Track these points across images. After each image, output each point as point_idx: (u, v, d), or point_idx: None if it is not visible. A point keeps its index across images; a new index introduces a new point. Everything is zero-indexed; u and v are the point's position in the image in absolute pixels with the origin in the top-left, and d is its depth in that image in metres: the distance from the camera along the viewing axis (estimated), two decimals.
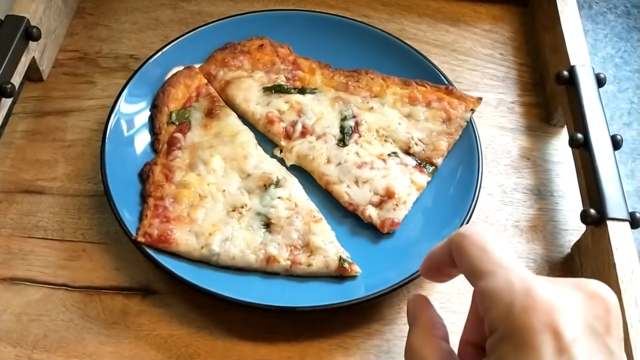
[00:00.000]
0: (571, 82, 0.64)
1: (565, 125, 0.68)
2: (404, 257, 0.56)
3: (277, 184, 0.59)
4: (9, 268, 0.57)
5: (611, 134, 0.60)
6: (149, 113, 0.64)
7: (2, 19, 0.63)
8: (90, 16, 0.77)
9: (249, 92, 0.66)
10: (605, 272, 0.53)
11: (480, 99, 0.66)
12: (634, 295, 0.51)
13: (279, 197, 0.59)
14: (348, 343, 0.54)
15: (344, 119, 0.65)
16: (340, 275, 0.55)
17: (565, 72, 0.65)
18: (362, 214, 0.59)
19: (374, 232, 0.59)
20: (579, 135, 0.60)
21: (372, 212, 0.58)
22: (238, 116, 0.66)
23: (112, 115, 0.62)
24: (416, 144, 0.63)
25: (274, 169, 0.61)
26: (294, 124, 0.64)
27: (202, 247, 0.55)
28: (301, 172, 0.62)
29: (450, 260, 0.39)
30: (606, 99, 0.75)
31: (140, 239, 0.55)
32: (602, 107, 0.62)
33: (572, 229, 0.62)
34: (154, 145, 0.63)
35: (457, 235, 0.39)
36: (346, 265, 0.55)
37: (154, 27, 0.76)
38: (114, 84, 0.69)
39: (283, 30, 0.71)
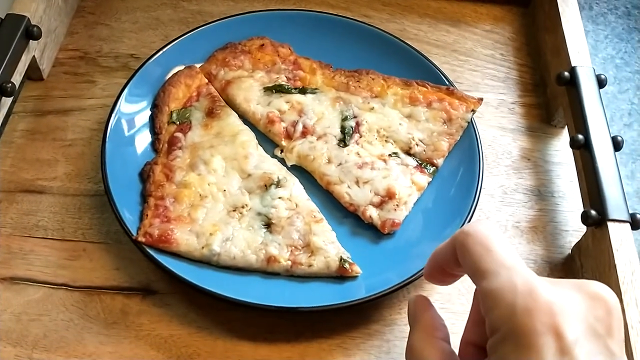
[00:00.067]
0: (572, 83, 0.64)
1: (566, 126, 0.68)
2: (405, 258, 0.56)
3: (278, 184, 0.59)
4: (9, 267, 0.57)
5: (612, 135, 0.60)
6: (150, 112, 0.64)
7: (3, 18, 0.63)
8: (91, 15, 0.76)
9: (250, 92, 0.66)
10: (606, 273, 0.53)
11: (481, 99, 0.66)
12: (635, 297, 0.51)
13: (279, 197, 0.58)
14: (348, 343, 0.54)
15: (344, 119, 0.65)
16: (340, 275, 0.55)
17: (566, 73, 0.65)
18: (362, 215, 0.59)
19: (375, 232, 0.59)
20: (580, 137, 0.60)
21: (372, 213, 0.58)
22: (239, 116, 0.65)
23: (113, 115, 0.62)
24: (417, 145, 0.63)
25: (275, 169, 0.61)
26: (294, 124, 0.64)
27: (202, 247, 0.55)
28: (302, 172, 0.62)
29: (455, 259, 0.39)
30: (606, 99, 0.75)
31: (141, 238, 0.55)
32: (603, 108, 0.62)
33: (573, 230, 0.62)
34: (154, 144, 0.62)
35: (461, 233, 0.39)
36: (347, 265, 0.55)
37: (154, 26, 0.76)
38: (115, 83, 0.69)
39: (284, 30, 0.71)
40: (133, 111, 0.64)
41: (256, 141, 0.63)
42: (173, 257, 0.55)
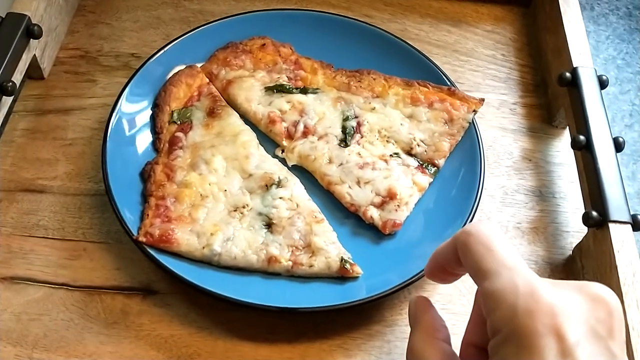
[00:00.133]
0: (573, 84, 0.64)
1: (567, 127, 0.67)
2: (406, 259, 0.56)
3: (279, 184, 0.59)
4: (9, 267, 0.57)
5: (613, 136, 0.60)
6: (151, 112, 0.64)
7: (3, 17, 0.63)
8: (92, 14, 0.76)
9: (251, 91, 0.66)
10: (607, 274, 0.53)
11: (483, 100, 0.66)
12: (636, 298, 0.51)
13: (280, 198, 0.58)
14: (349, 344, 0.54)
15: (345, 119, 0.65)
16: (341, 276, 0.55)
17: (568, 74, 0.64)
18: (363, 215, 0.59)
19: (376, 233, 0.59)
20: (581, 137, 0.60)
21: (373, 213, 0.58)
22: (240, 116, 0.65)
23: (113, 114, 0.62)
24: (418, 145, 0.63)
25: (276, 169, 0.61)
26: (295, 124, 0.64)
27: (203, 247, 0.55)
28: (303, 172, 0.62)
29: (456, 259, 0.39)
30: (608, 100, 0.75)
31: (142, 238, 0.55)
32: (605, 109, 0.62)
33: (574, 231, 0.62)
34: (155, 144, 0.62)
35: (462, 232, 0.39)
36: (347, 266, 0.55)
37: (155, 25, 0.76)
38: (115, 82, 0.69)
39: (285, 30, 0.70)
40: (134, 110, 0.64)
41: (257, 141, 0.63)
42: (174, 257, 0.55)
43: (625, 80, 0.79)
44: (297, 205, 0.58)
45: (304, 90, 0.67)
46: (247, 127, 0.64)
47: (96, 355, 0.52)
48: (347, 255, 0.56)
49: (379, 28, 0.71)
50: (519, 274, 0.35)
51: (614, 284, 0.52)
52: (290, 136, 0.64)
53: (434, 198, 0.61)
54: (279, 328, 0.54)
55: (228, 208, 0.58)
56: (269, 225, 0.57)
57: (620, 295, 0.51)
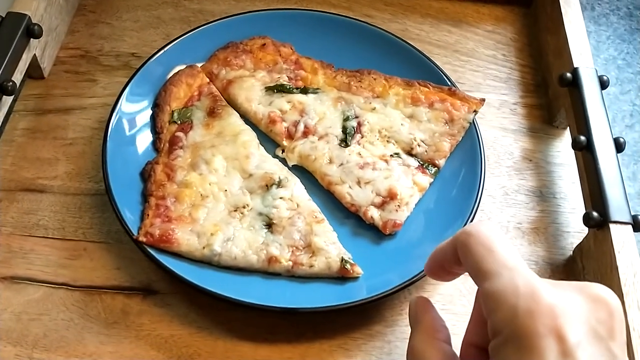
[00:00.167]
0: (574, 85, 0.64)
1: (568, 127, 0.67)
2: (406, 259, 0.56)
3: (279, 184, 0.59)
4: (9, 267, 0.57)
5: (614, 137, 0.60)
6: (151, 112, 0.64)
7: (3, 16, 0.63)
8: (92, 14, 0.76)
9: (251, 91, 0.66)
10: (608, 275, 0.53)
11: (483, 100, 0.66)
12: (637, 299, 0.51)
13: (280, 198, 0.58)
14: (349, 344, 0.54)
15: (346, 119, 0.65)
16: (342, 276, 0.55)
17: (569, 74, 0.64)
18: (364, 215, 0.59)
19: (376, 233, 0.58)
20: (582, 138, 0.60)
21: (374, 213, 0.58)
22: (240, 116, 0.65)
23: (114, 114, 0.62)
24: (419, 145, 0.63)
25: (276, 169, 0.61)
26: (296, 124, 0.64)
27: (203, 247, 0.55)
28: (303, 172, 0.62)
29: (455, 258, 0.39)
30: (608, 100, 0.75)
31: (142, 238, 0.55)
32: (605, 110, 0.62)
33: (574, 231, 0.62)
34: (155, 144, 0.62)
35: (463, 233, 0.38)
36: (348, 266, 0.55)
37: (155, 25, 0.76)
38: (116, 82, 0.69)
39: (285, 30, 0.70)
40: (134, 110, 0.64)
41: (257, 141, 0.63)
42: (174, 257, 0.55)
43: (626, 81, 0.79)
44: (298, 205, 0.58)
45: (305, 90, 0.67)
46: (248, 127, 0.64)
47: (96, 355, 0.52)
48: (347, 256, 0.56)
49: (380, 28, 0.71)
50: (519, 275, 0.35)
51: (615, 285, 0.52)
52: (290, 136, 0.64)
53: (435, 198, 0.61)
54: (279, 328, 0.54)
55: (228, 208, 0.58)
56: (269, 225, 0.57)
57: (620, 296, 0.51)
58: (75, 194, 0.61)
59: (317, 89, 0.67)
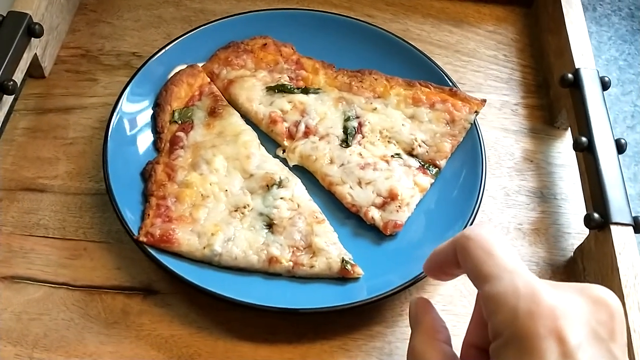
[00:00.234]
0: (576, 85, 0.64)
1: (569, 128, 0.67)
2: (407, 260, 0.56)
3: (280, 184, 0.59)
4: (9, 266, 0.56)
5: (615, 138, 0.60)
6: (152, 111, 0.64)
7: (4, 15, 0.63)
8: (93, 13, 0.76)
9: (252, 91, 0.66)
10: (609, 276, 0.53)
11: (485, 101, 0.66)
12: (637, 300, 0.51)
13: (281, 198, 0.58)
14: (350, 345, 0.54)
15: (347, 119, 0.64)
16: (342, 277, 0.55)
17: (570, 75, 0.64)
18: (364, 216, 0.58)
19: (377, 233, 0.58)
20: (583, 139, 0.60)
21: (374, 214, 0.58)
22: (241, 115, 0.65)
23: (115, 114, 0.62)
24: (420, 146, 0.63)
25: (277, 169, 0.61)
26: (297, 124, 0.64)
27: (204, 247, 0.55)
28: (304, 172, 0.62)
29: (455, 261, 0.39)
30: (609, 101, 0.75)
31: (143, 238, 0.55)
32: (607, 111, 0.62)
33: (575, 233, 0.62)
34: (156, 144, 0.62)
35: (462, 236, 0.38)
36: (348, 267, 0.55)
37: (156, 24, 0.75)
38: (116, 81, 0.69)
39: (286, 30, 0.70)
40: (135, 110, 0.64)
41: (258, 141, 0.63)
42: (174, 257, 0.55)
43: (627, 82, 0.78)
44: (298, 206, 0.58)
45: (306, 90, 0.67)
46: (249, 127, 0.64)
47: (96, 355, 0.52)
48: (348, 256, 0.56)
49: (381, 28, 0.71)
50: (519, 277, 0.35)
51: (616, 286, 0.52)
52: (291, 136, 0.64)
53: (435, 199, 0.61)
54: (279, 328, 0.54)
55: (229, 208, 0.58)
56: (270, 225, 0.57)
57: (621, 297, 0.51)
58: (76, 193, 0.61)
59: (318, 89, 0.67)
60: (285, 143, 0.63)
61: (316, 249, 0.55)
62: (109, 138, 0.60)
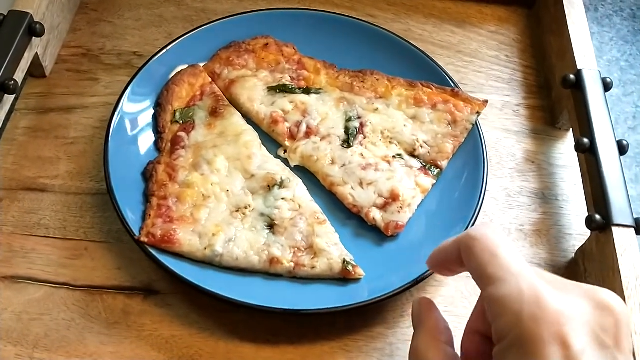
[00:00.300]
0: (578, 86, 0.64)
1: (571, 129, 0.67)
2: (408, 261, 0.56)
3: (281, 185, 0.59)
4: (10, 266, 0.56)
5: (617, 139, 0.60)
6: (153, 111, 0.64)
7: (5, 15, 0.62)
8: (94, 12, 0.76)
9: (254, 91, 0.66)
10: (610, 278, 0.53)
11: (486, 101, 0.65)
12: (639, 302, 0.51)
13: (282, 198, 0.58)
14: (351, 346, 0.54)
15: (348, 119, 0.64)
16: (343, 277, 0.55)
17: (572, 76, 0.64)
18: (366, 216, 0.58)
19: (378, 234, 0.58)
20: (585, 140, 0.60)
21: (376, 215, 0.58)
22: (242, 116, 0.65)
23: (116, 113, 0.61)
24: (421, 146, 0.63)
25: (278, 169, 0.61)
26: (298, 124, 0.64)
27: (205, 248, 0.55)
28: (305, 173, 0.62)
29: (459, 260, 0.39)
30: (611, 102, 0.74)
31: (144, 238, 0.54)
32: (609, 112, 0.62)
33: (577, 234, 0.62)
34: (157, 144, 0.62)
35: (467, 236, 0.38)
36: (350, 268, 0.55)
37: (157, 24, 0.75)
38: (117, 81, 0.69)
39: (288, 30, 0.70)
40: (136, 110, 0.63)
41: (260, 141, 0.63)
42: (175, 257, 0.55)
43: (629, 82, 0.78)
44: (300, 206, 0.58)
45: (307, 91, 0.67)
46: (250, 127, 0.64)
47: (97, 356, 0.52)
48: (349, 257, 0.56)
49: (383, 28, 0.71)
50: (524, 280, 0.35)
51: (617, 288, 0.52)
52: (292, 136, 0.63)
53: (437, 200, 0.61)
54: (280, 329, 0.54)
55: (230, 208, 0.58)
56: (271, 226, 0.57)
57: (623, 299, 0.50)
58: (77, 193, 0.61)
59: (320, 89, 0.67)
60: (287, 143, 0.63)
61: (317, 249, 0.55)
62: (110, 138, 0.60)
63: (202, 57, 0.68)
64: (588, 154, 0.60)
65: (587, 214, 0.57)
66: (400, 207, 0.58)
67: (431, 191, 0.61)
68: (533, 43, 0.77)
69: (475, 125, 0.64)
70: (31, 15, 0.63)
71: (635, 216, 0.55)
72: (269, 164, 0.61)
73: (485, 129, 0.66)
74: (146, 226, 0.55)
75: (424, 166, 0.62)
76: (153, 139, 0.63)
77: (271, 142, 0.64)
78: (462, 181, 0.61)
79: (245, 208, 0.58)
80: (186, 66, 0.67)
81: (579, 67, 0.65)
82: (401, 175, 0.60)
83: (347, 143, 0.63)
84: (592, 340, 0.33)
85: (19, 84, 0.62)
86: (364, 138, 0.63)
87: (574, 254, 0.61)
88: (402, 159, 0.62)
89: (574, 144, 0.62)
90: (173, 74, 0.66)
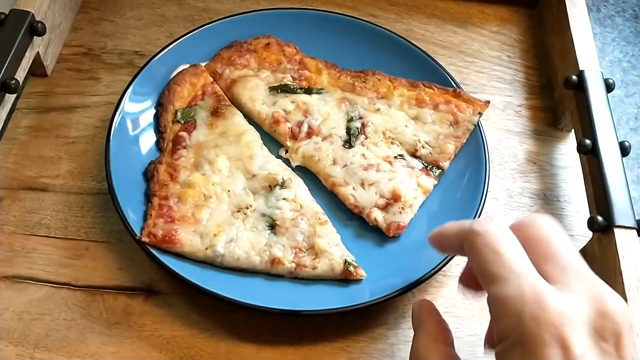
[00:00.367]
0: (580, 87, 0.64)
1: (573, 130, 0.67)
2: (410, 261, 0.56)
3: (283, 185, 0.59)
4: (11, 266, 0.56)
5: (619, 140, 0.60)
6: (154, 111, 0.64)
7: (7, 14, 0.62)
8: (95, 11, 0.76)
9: (255, 91, 0.66)
10: (612, 280, 0.53)
11: (488, 102, 0.65)
12: None
13: (284, 199, 0.58)
14: (352, 347, 0.54)
15: (350, 120, 0.64)
16: (345, 278, 0.55)
17: (574, 77, 0.64)
18: (367, 217, 0.58)
19: (380, 235, 0.58)
20: (587, 141, 0.60)
21: (377, 215, 0.58)
22: (244, 115, 0.65)
23: (117, 113, 0.61)
24: (423, 147, 0.62)
25: (280, 169, 0.61)
26: (299, 125, 0.63)
27: (206, 248, 0.55)
28: (306, 173, 0.62)
29: (459, 249, 0.39)
30: (613, 103, 0.74)
31: (145, 239, 0.54)
32: (611, 113, 0.62)
33: (578, 235, 0.62)
34: (158, 143, 0.62)
35: (470, 232, 0.38)
36: (351, 268, 0.55)
37: (159, 23, 0.75)
38: (119, 80, 0.69)
39: (290, 29, 0.70)
40: (137, 109, 0.63)
41: (261, 141, 0.63)
42: (176, 257, 0.55)
43: (631, 83, 0.78)
44: (301, 207, 0.58)
45: (309, 91, 0.66)
46: (251, 127, 0.64)
47: (98, 356, 0.52)
48: (350, 258, 0.55)
49: (384, 28, 0.71)
50: (526, 280, 0.35)
51: (619, 290, 0.51)
52: (294, 136, 0.63)
53: (439, 200, 0.61)
54: (281, 330, 0.54)
55: (231, 209, 0.57)
56: (273, 226, 0.57)
57: (624, 301, 0.50)
58: (78, 193, 0.61)
59: (321, 89, 0.67)
60: (288, 143, 0.63)
61: (319, 250, 0.55)
62: (111, 137, 0.60)
63: (204, 57, 0.68)
64: (590, 155, 0.60)
65: (588, 216, 0.57)
66: (402, 208, 0.58)
67: (433, 192, 0.61)
68: (535, 43, 0.77)
69: (477, 126, 0.64)
70: (32, 14, 0.63)
71: (637, 217, 0.55)
72: (270, 164, 0.61)
73: (487, 129, 0.66)
74: (147, 226, 0.55)
75: (426, 167, 0.62)
76: (154, 138, 0.62)
77: (272, 142, 0.64)
78: (463, 182, 0.61)
79: (247, 208, 0.58)
80: (188, 66, 0.67)
81: (581, 68, 0.65)
82: (403, 175, 0.60)
83: (348, 143, 0.63)
84: (593, 344, 0.33)
85: (20, 83, 0.62)
86: (366, 138, 0.63)
87: None
88: (404, 159, 0.62)
89: (575, 145, 0.62)
90: (174, 73, 0.66)
